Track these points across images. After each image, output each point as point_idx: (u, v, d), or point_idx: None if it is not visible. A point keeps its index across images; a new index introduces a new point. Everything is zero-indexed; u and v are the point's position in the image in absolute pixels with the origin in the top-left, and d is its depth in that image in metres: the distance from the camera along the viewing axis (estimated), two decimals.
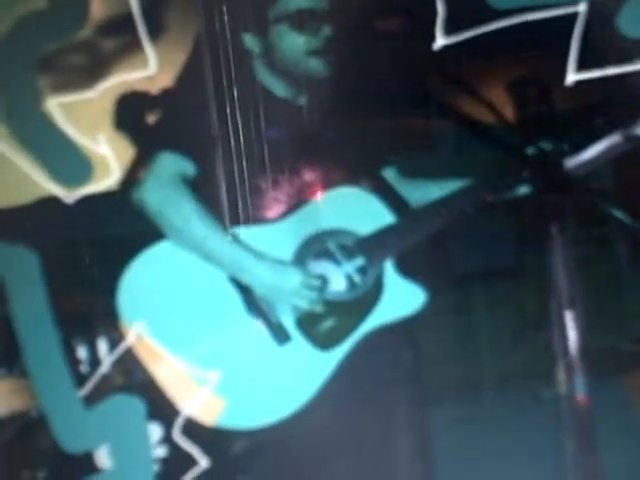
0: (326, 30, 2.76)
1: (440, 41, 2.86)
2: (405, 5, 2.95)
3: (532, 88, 2.97)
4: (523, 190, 2.73)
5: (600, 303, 2.87)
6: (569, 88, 2.88)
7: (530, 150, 2.55)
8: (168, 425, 2.88)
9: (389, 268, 2.76)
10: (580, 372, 2.43)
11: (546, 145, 2.61)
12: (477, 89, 2.50)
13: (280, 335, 2.75)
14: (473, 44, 2.84)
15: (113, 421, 2.88)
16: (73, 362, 2.96)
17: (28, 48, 2.90)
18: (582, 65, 2.83)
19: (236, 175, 2.80)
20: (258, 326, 2.75)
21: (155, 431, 2.96)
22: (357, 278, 2.76)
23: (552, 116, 2.93)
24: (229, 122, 2.78)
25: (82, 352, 3.05)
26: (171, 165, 2.77)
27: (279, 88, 2.83)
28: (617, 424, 3.08)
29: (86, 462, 2.92)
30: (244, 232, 2.77)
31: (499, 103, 2.66)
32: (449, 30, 2.85)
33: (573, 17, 2.79)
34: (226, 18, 2.82)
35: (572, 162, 2.66)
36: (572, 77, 2.84)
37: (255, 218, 2.79)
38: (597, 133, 2.66)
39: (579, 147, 2.67)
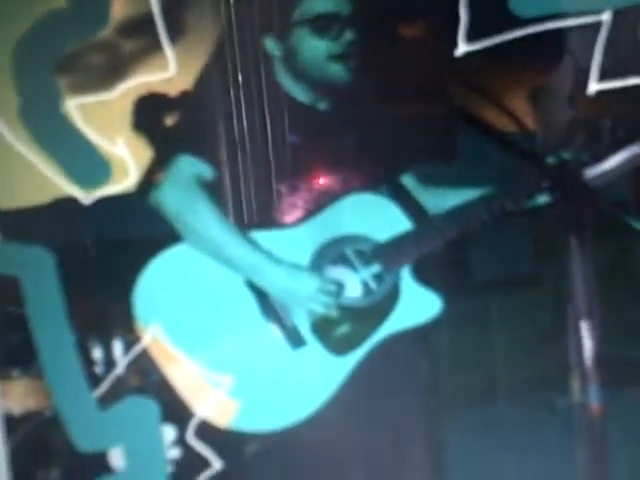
0: (348, 35, 2.75)
1: (462, 47, 2.87)
2: (427, 11, 2.95)
3: (553, 97, 2.97)
4: (542, 199, 2.71)
5: (617, 313, 2.87)
6: (591, 98, 2.88)
7: (550, 159, 2.55)
8: (182, 427, 2.88)
9: (406, 275, 2.76)
10: (595, 381, 2.44)
11: (566, 155, 2.61)
12: (498, 97, 2.50)
13: (295, 339, 2.75)
14: (495, 51, 2.85)
15: (127, 422, 2.88)
16: (88, 363, 2.97)
17: (47, 48, 2.89)
18: (604, 75, 2.83)
19: (253, 179, 2.82)
20: (273, 330, 2.76)
21: (169, 433, 2.96)
22: (373, 284, 2.76)
23: (573, 126, 2.92)
24: (248, 126, 2.79)
25: (97, 353, 3.05)
26: (189, 168, 2.78)
27: (299, 92, 2.83)
28: (630, 433, 3.09)
29: (100, 462, 2.93)
30: (261, 236, 2.78)
31: (520, 111, 2.66)
32: (471, 36, 2.85)
33: (596, 26, 2.80)
34: (246, 21, 2.82)
35: (592, 172, 2.66)
36: (594, 87, 2.85)
37: (273, 222, 2.80)
38: (618, 144, 2.66)
39: (599, 157, 2.66)
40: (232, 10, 2.84)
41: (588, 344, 2.42)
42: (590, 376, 2.42)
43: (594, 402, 2.42)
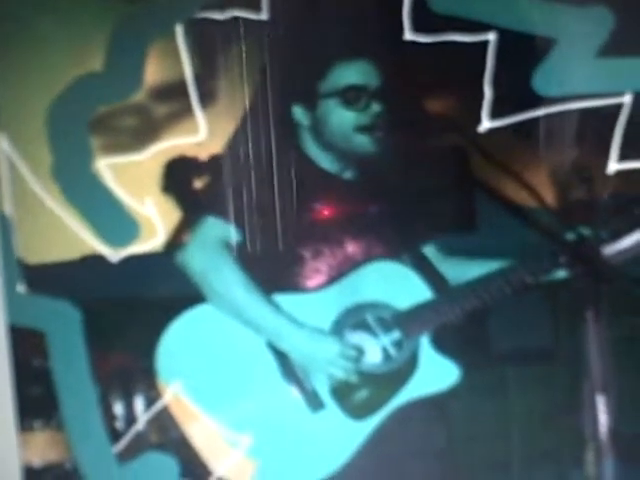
0: (375, 107, 2.81)
1: (486, 123, 2.95)
2: (453, 87, 3.02)
3: (573, 174, 3.03)
4: (561, 274, 2.76)
5: (633, 389, 2.90)
6: (610, 177, 2.94)
7: (569, 235, 2.59)
8: None
9: (425, 343, 2.79)
10: (609, 456, 2.46)
11: (585, 231, 2.65)
12: (519, 172, 2.55)
13: (314, 402, 2.78)
14: (518, 128, 2.92)
15: (146, 478, 2.92)
16: (109, 418, 3.00)
17: (81, 109, 2.96)
18: (624, 155, 2.90)
19: (278, 243, 2.87)
20: (293, 392, 2.79)
21: None
22: (393, 351, 2.79)
23: (592, 203, 2.98)
24: (274, 192, 2.86)
25: (119, 408, 3.08)
26: (215, 230, 2.84)
27: (326, 161, 2.88)
28: None
29: None
30: (284, 299, 2.82)
31: (541, 187, 2.72)
32: (495, 113, 2.93)
33: (618, 108, 2.86)
34: (276, 89, 2.89)
35: (610, 249, 2.70)
36: (614, 166, 2.91)
37: (296, 286, 2.84)
38: (636, 221, 2.71)
39: (618, 235, 2.71)
40: (262, 77, 2.92)
41: (603, 418, 2.45)
42: (605, 450, 2.45)
43: (608, 476, 2.45)
